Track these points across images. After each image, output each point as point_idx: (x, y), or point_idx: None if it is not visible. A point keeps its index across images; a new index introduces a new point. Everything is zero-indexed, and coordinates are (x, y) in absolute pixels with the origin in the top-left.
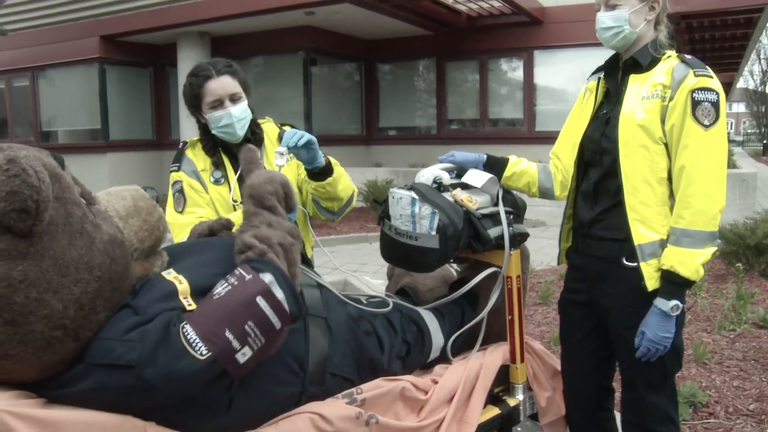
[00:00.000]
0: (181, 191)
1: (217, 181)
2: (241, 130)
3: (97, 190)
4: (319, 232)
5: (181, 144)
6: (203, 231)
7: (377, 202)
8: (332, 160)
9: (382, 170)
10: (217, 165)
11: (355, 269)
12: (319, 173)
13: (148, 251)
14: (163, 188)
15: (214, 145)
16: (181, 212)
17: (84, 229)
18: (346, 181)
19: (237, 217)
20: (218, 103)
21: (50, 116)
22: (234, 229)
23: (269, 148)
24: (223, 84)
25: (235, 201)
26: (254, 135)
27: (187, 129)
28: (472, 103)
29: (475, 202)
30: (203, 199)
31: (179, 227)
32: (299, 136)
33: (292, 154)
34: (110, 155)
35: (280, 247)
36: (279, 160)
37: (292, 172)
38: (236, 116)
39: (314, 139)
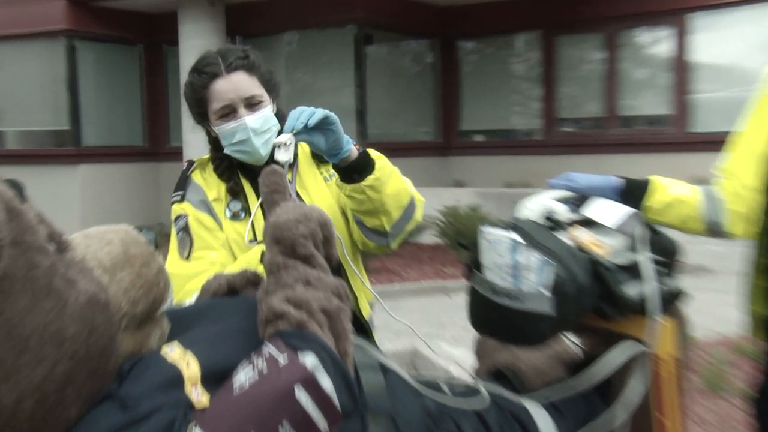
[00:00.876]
0: (186, 229)
1: (235, 216)
2: (263, 147)
3: (64, 218)
4: (376, 278)
5: (186, 165)
6: (220, 288)
7: (462, 246)
8: (373, 152)
9: (465, 192)
10: (235, 193)
11: (429, 333)
12: (351, 169)
13: (142, 317)
14: (161, 219)
15: (230, 166)
16: (186, 258)
17: (52, 287)
18: (398, 183)
19: (251, 257)
20: (229, 111)
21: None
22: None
23: (305, 168)
24: (235, 84)
25: (252, 241)
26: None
27: (195, 135)
28: (594, 94)
29: (605, 247)
30: (217, 240)
31: (184, 280)
32: (309, 113)
33: (303, 144)
34: (83, 169)
35: (323, 315)
36: (281, 155)
37: (331, 192)
38: (254, 128)
39: (333, 116)
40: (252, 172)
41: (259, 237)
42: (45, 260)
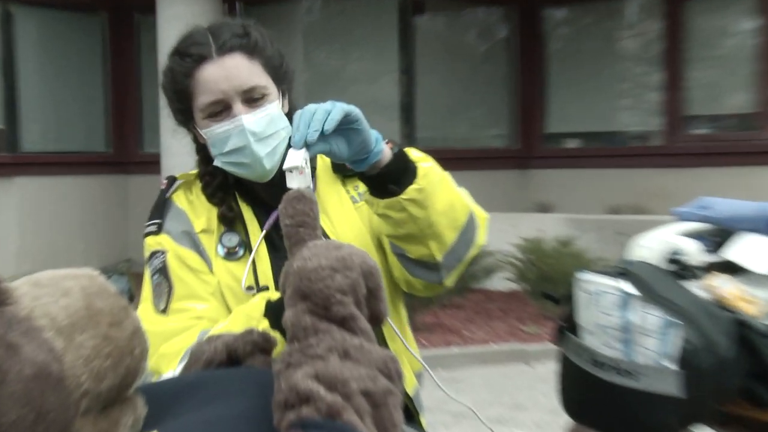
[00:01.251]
0: (163, 271)
1: (230, 254)
2: (268, 158)
3: None
4: (427, 338)
5: (165, 182)
6: (216, 354)
7: (549, 297)
8: (413, 151)
9: (552, 219)
10: (230, 222)
11: (500, 417)
12: (385, 178)
13: (109, 397)
14: (130, 253)
15: (224, 185)
16: (164, 311)
17: None
18: (451, 193)
19: (252, 309)
20: (221, 108)
21: None
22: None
23: (325, 186)
24: (230, 71)
25: (251, 288)
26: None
27: (178, 140)
28: (738, 81)
29: (758, 303)
30: (205, 286)
31: (160, 339)
32: (323, 114)
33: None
34: (22, 183)
35: (365, 400)
36: (296, 182)
37: (362, 218)
38: (254, 132)
39: (355, 110)
40: (252, 192)
41: (263, 282)
42: None
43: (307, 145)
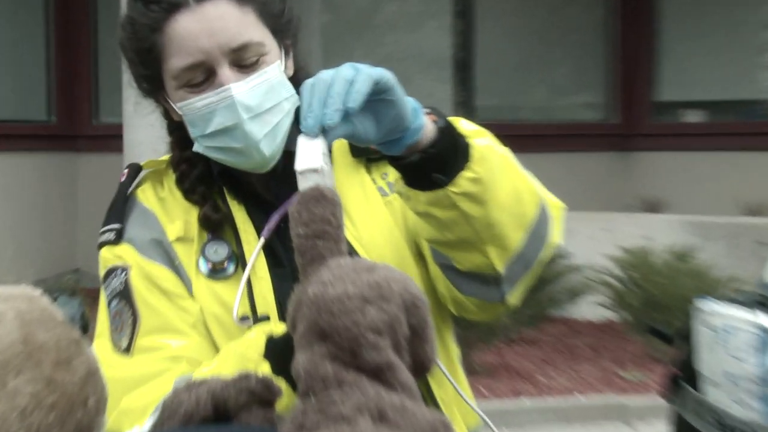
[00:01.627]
0: (125, 295)
1: (217, 270)
2: (267, 141)
3: None
4: (489, 384)
5: (125, 173)
6: (198, 408)
7: (658, 334)
8: (463, 123)
9: (663, 221)
10: (215, 226)
11: None
12: (427, 164)
13: None
14: (79, 262)
15: (206, 176)
16: (126, 349)
17: None
18: (514, 178)
19: (248, 347)
20: (202, 75)
21: None
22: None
23: (343, 175)
24: (212, 23)
25: (245, 319)
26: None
27: (146, 107)
28: None
29: None
30: (182, 314)
31: (123, 388)
32: (343, 86)
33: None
34: None
35: None
36: (308, 180)
37: (394, 217)
38: (248, 105)
39: (386, 74)
40: (245, 185)
41: (262, 309)
42: None
43: (324, 131)
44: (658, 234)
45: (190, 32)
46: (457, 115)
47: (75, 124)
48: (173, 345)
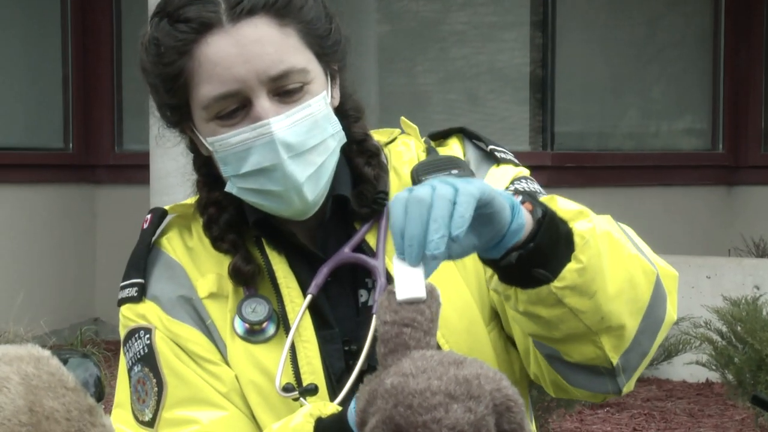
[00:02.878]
0: (148, 361)
1: (254, 331)
2: (310, 185)
3: None
4: None
5: (148, 218)
6: None
7: (766, 405)
8: (561, 203)
9: None
10: (246, 279)
11: None
12: (527, 260)
13: None
14: (98, 311)
15: (238, 219)
16: (150, 424)
17: None
18: (624, 260)
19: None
20: (235, 105)
21: None
22: None
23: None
24: (248, 47)
25: (289, 390)
26: (360, 184)
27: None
28: None
29: None
30: (217, 383)
31: None
32: (445, 204)
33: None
34: None
35: None
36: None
37: (466, 280)
38: (288, 143)
39: (486, 188)
40: (285, 233)
41: (309, 378)
42: None
43: (431, 254)
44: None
45: (224, 57)
46: (535, 142)
47: (94, 153)
48: (204, 419)
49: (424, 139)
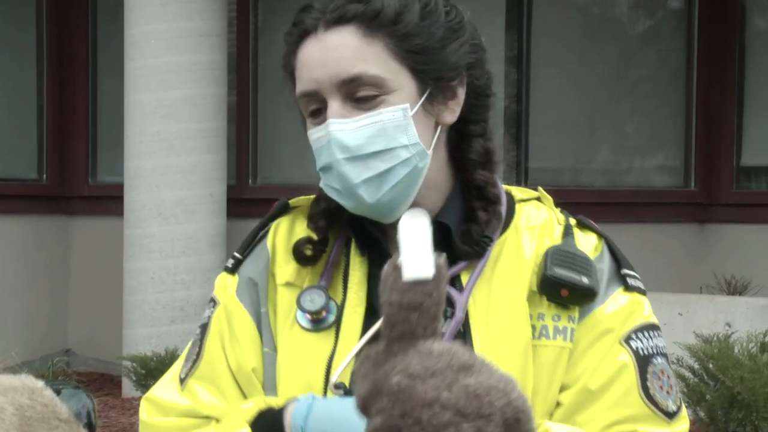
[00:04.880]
0: (203, 330)
1: (318, 319)
2: (368, 189)
3: None
4: None
5: (275, 205)
6: None
7: None
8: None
9: (745, 304)
10: (301, 258)
11: None
12: None
13: None
14: (69, 342)
15: (337, 212)
16: (182, 381)
17: None
18: None
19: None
20: (317, 105)
21: None
22: None
23: (503, 277)
24: (327, 52)
25: (340, 387)
26: (469, 223)
27: (151, 160)
28: None
29: None
30: (235, 365)
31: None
32: None
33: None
34: None
35: None
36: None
37: (540, 363)
38: (345, 146)
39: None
40: (373, 242)
41: (339, 379)
42: None
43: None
44: (741, 320)
45: (309, 59)
46: (510, 177)
47: (69, 184)
48: (211, 403)
49: (561, 210)
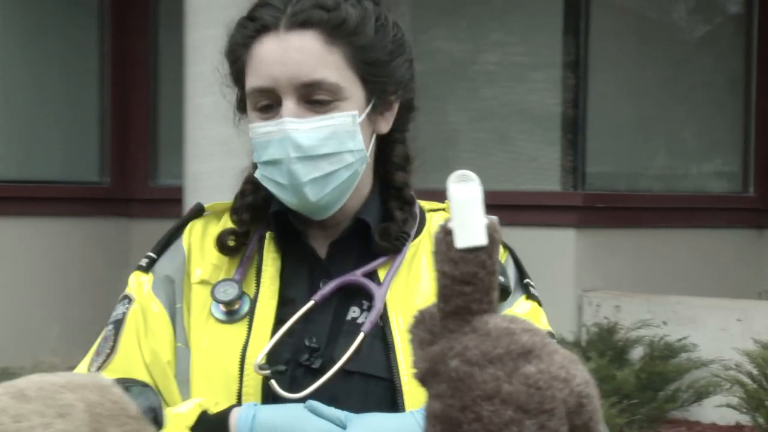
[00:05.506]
0: (117, 326)
1: (230, 312)
2: (313, 188)
3: None
4: None
5: (191, 208)
6: None
7: None
8: None
9: None
10: (224, 248)
11: None
12: None
13: None
14: None
15: (262, 206)
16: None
17: None
18: None
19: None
20: (268, 101)
21: None
22: None
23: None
24: (288, 52)
25: (264, 368)
26: (387, 221)
27: (210, 164)
28: None
29: None
30: (149, 357)
31: None
32: None
33: None
34: None
35: None
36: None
37: None
38: (298, 144)
39: None
40: (299, 237)
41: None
42: None
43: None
44: None
45: (268, 56)
46: (566, 182)
47: (130, 187)
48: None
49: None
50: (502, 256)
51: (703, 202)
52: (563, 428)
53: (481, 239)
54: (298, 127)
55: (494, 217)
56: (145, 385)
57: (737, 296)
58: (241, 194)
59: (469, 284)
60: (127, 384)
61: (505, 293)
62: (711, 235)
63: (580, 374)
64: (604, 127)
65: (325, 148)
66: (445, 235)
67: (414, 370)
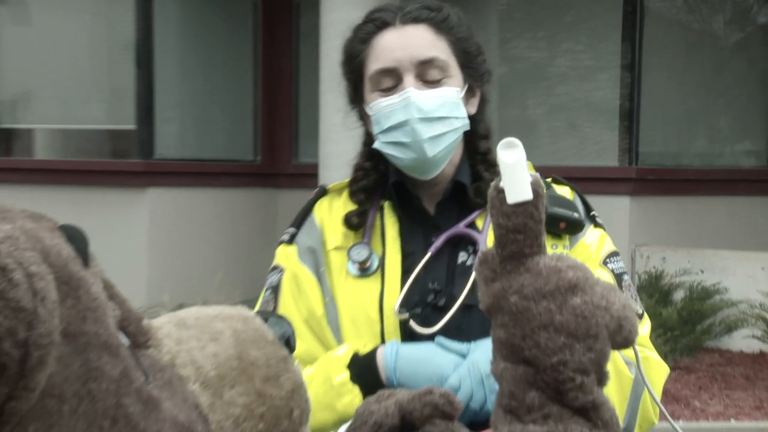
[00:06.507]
0: (275, 291)
1: (365, 268)
2: (432, 144)
3: (120, 279)
4: None
5: (316, 191)
6: (386, 418)
7: None
8: None
9: None
10: (353, 226)
11: None
12: None
13: None
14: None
15: (374, 187)
16: None
17: (120, 411)
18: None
19: (335, 364)
20: (391, 82)
21: (15, 93)
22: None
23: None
24: (408, 40)
25: (402, 312)
26: (478, 181)
27: (339, 146)
28: None
29: None
30: (303, 310)
31: None
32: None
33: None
34: (154, 195)
35: None
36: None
37: None
38: (422, 108)
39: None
40: (413, 201)
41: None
42: (113, 365)
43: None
44: None
45: (390, 44)
46: (623, 159)
47: (277, 164)
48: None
49: (575, 188)
50: (570, 195)
51: (734, 175)
52: (607, 347)
53: (527, 194)
54: (419, 95)
55: (537, 174)
56: (280, 317)
57: (762, 250)
58: (354, 180)
59: (521, 233)
60: (266, 316)
61: (579, 226)
62: (741, 202)
63: (618, 300)
64: (654, 116)
65: (439, 112)
66: (498, 193)
67: (481, 304)
